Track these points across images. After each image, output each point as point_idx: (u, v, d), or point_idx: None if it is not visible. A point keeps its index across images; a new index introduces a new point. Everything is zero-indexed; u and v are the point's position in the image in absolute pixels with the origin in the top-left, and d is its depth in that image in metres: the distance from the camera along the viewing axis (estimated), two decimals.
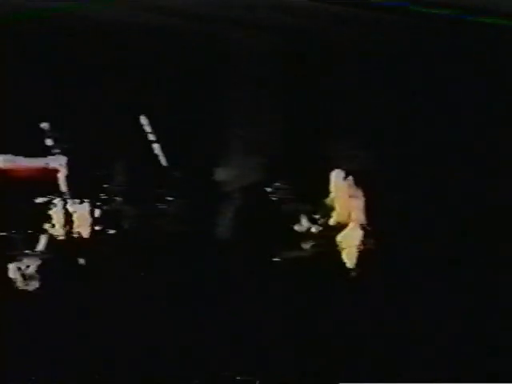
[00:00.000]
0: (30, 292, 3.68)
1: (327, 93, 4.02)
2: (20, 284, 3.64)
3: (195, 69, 3.95)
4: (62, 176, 3.77)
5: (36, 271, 3.69)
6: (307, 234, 3.91)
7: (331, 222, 3.94)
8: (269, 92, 3.99)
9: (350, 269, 3.87)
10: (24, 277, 3.66)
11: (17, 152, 3.73)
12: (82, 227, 3.78)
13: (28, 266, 3.68)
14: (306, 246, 3.92)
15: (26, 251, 3.70)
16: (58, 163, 3.76)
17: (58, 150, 3.76)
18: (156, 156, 3.85)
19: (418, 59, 4.00)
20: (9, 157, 3.72)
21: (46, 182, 3.75)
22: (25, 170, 3.72)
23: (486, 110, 3.98)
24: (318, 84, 4.02)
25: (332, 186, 3.94)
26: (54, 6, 3.92)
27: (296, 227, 3.90)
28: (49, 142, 3.77)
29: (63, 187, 3.76)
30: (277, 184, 3.91)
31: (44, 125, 3.76)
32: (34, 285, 3.67)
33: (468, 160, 3.95)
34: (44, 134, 3.76)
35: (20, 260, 3.67)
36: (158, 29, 3.93)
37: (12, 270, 3.65)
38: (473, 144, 3.97)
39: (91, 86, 3.81)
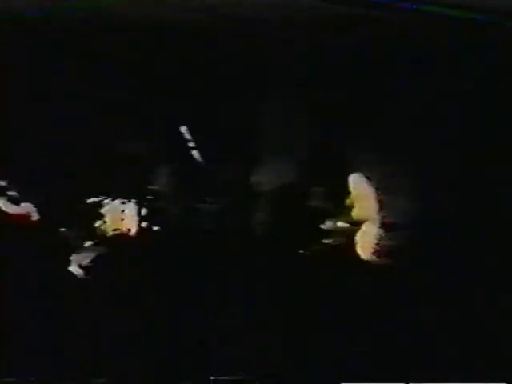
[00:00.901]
0: (84, 281, 4.16)
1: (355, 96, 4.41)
2: (78, 274, 4.13)
3: (232, 71, 4.34)
4: None
5: (91, 263, 4.17)
6: (330, 231, 4.38)
7: (351, 220, 4.41)
8: (304, 95, 4.39)
9: (365, 261, 4.34)
10: (81, 268, 4.14)
11: None
12: (131, 224, 4.26)
13: (84, 259, 4.16)
14: (329, 241, 4.39)
15: (83, 245, 4.18)
16: None
17: None
18: (196, 160, 4.31)
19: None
20: None
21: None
22: None
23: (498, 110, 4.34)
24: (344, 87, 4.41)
25: (351, 188, 4.41)
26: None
27: (321, 225, 4.37)
28: None
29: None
30: (307, 185, 4.37)
31: None
32: (88, 275, 4.15)
33: (483, 160, 4.33)
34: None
35: (78, 253, 4.16)
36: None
37: (73, 260, 4.13)
38: (483, 143, 4.33)
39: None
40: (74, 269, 4.12)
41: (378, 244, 4.35)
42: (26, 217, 4.19)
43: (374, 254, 4.33)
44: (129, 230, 4.24)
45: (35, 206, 4.20)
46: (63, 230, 4.18)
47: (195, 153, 4.30)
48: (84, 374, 4.01)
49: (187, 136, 4.28)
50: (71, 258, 4.11)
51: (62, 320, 4.06)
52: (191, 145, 4.29)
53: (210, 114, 4.34)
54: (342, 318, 4.19)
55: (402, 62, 4.37)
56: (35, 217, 4.20)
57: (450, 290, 4.20)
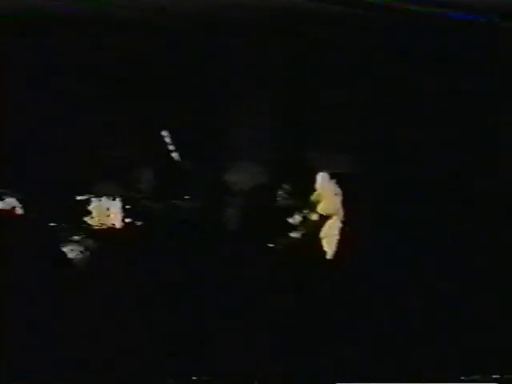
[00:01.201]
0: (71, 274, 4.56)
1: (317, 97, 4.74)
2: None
3: (204, 74, 4.68)
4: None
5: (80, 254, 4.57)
6: (297, 225, 4.81)
7: (316, 215, 4.84)
8: (270, 96, 4.74)
9: (329, 254, 4.78)
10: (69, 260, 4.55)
11: None
12: (115, 220, 4.65)
13: (73, 250, 4.55)
14: (296, 235, 4.82)
15: (72, 238, 4.57)
16: None
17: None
18: (175, 161, 4.70)
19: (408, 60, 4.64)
20: None
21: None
22: None
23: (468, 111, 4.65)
24: (307, 87, 4.75)
25: (318, 186, 4.83)
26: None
27: (289, 219, 4.80)
28: None
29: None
30: (276, 184, 4.79)
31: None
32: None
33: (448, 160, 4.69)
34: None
35: (67, 245, 4.55)
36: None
37: (68, 250, 4.51)
38: (456, 144, 4.66)
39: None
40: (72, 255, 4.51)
41: (341, 239, 4.79)
42: (10, 212, 4.53)
43: (337, 248, 4.78)
44: (113, 224, 4.63)
45: (21, 202, 4.54)
46: (53, 224, 4.56)
47: (175, 154, 4.69)
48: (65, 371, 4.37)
49: (168, 138, 4.67)
50: (64, 249, 4.51)
51: (50, 314, 4.44)
52: (171, 147, 4.68)
53: (185, 116, 4.70)
54: (311, 309, 4.66)
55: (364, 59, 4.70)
56: (20, 211, 4.54)
57: (413, 285, 4.63)
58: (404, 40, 4.63)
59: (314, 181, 4.82)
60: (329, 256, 4.72)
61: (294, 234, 4.82)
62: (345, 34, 4.66)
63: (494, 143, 4.67)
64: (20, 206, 4.53)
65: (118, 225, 4.64)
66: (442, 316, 4.58)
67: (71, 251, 4.55)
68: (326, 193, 4.84)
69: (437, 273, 4.65)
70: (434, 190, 4.73)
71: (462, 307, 4.58)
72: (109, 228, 4.62)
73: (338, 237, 4.78)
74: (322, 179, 4.83)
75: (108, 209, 4.64)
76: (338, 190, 4.82)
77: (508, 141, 4.63)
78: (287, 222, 4.82)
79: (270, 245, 4.77)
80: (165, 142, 4.67)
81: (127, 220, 4.65)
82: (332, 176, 4.80)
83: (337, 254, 4.74)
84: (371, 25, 4.61)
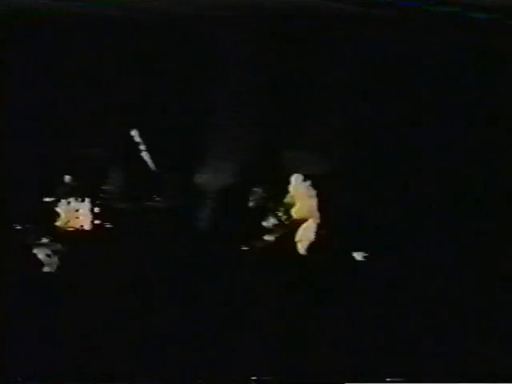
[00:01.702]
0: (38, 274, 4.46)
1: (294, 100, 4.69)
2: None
3: (178, 74, 4.64)
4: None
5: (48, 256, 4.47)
6: (271, 228, 4.71)
7: (291, 218, 4.74)
8: (245, 100, 4.70)
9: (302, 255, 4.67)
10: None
11: None
12: (84, 222, 4.56)
13: (41, 253, 4.46)
14: (270, 237, 4.72)
15: (40, 241, 4.47)
16: None
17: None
18: (145, 162, 4.62)
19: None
20: None
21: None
22: None
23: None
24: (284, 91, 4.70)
25: (291, 188, 4.74)
26: None
27: (263, 223, 4.70)
28: None
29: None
30: (249, 186, 4.70)
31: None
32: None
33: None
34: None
35: (35, 248, 4.45)
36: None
37: (38, 252, 4.41)
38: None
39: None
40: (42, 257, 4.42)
41: (316, 241, 4.68)
42: None
43: (312, 250, 4.67)
44: (81, 226, 4.54)
45: None
46: (19, 227, 4.48)
47: (146, 154, 4.61)
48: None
49: (137, 139, 4.59)
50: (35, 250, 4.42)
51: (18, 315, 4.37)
52: (141, 147, 4.60)
53: (157, 116, 4.64)
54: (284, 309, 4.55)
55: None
56: None
57: (388, 286, 4.51)
58: (379, 40, 4.61)
59: (287, 182, 4.73)
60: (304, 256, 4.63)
61: (268, 237, 4.71)
62: (321, 32, 4.65)
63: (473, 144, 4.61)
64: None
65: (87, 227, 4.54)
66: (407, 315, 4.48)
67: (40, 254, 4.45)
68: (300, 195, 4.74)
69: (416, 273, 4.53)
70: (413, 189, 4.64)
71: (432, 311, 4.47)
72: (77, 230, 4.53)
73: (313, 240, 4.68)
74: (295, 180, 4.73)
75: (77, 210, 4.55)
76: (313, 192, 4.72)
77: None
78: (261, 224, 4.72)
79: (244, 248, 4.67)
80: (135, 142, 4.59)
81: (96, 222, 4.56)
82: (306, 177, 4.71)
83: (312, 255, 4.64)
84: (345, 23, 4.61)
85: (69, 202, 4.55)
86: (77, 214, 4.55)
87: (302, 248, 4.69)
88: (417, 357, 4.31)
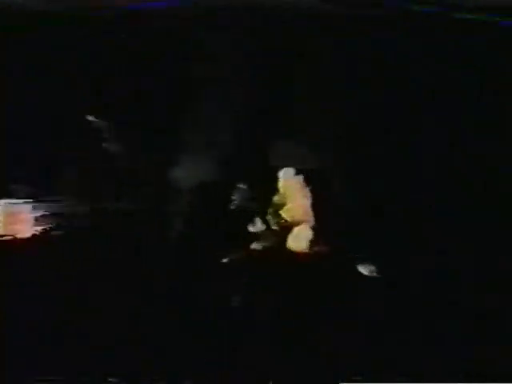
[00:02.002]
0: None
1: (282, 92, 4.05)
2: None
3: (154, 68, 3.97)
4: None
5: None
6: (259, 234, 3.87)
7: (282, 221, 3.90)
8: (226, 92, 3.99)
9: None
10: None
11: None
12: (25, 227, 3.69)
13: None
14: (258, 246, 3.86)
15: None
16: None
17: None
18: (108, 155, 3.79)
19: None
20: None
21: None
22: None
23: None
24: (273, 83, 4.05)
25: (281, 185, 3.92)
26: None
27: (250, 227, 3.85)
28: None
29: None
30: (231, 183, 3.88)
31: None
32: None
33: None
34: None
35: None
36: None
37: None
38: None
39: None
40: None
41: (311, 247, 3.85)
42: None
43: (307, 258, 3.83)
44: (22, 232, 3.68)
45: None
46: None
47: (110, 145, 3.78)
48: None
49: (96, 124, 3.77)
50: None
51: None
52: (104, 139, 3.78)
53: (130, 109, 3.90)
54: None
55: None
56: None
57: (388, 291, 3.79)
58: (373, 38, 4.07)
59: (276, 179, 3.91)
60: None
61: (254, 246, 3.86)
62: (309, 31, 4.08)
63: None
64: None
65: (27, 233, 3.67)
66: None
67: None
68: (292, 193, 3.91)
69: (415, 275, 3.83)
70: (414, 187, 3.94)
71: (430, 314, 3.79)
72: (15, 238, 3.66)
73: (308, 247, 3.84)
74: (284, 175, 3.91)
75: (16, 214, 3.68)
76: (307, 190, 3.90)
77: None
78: (246, 229, 3.86)
79: (224, 260, 3.81)
80: (96, 132, 3.76)
81: (39, 228, 3.68)
82: (298, 172, 3.90)
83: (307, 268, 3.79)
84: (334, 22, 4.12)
85: (8, 204, 3.69)
86: (16, 217, 3.69)
87: (295, 256, 3.84)
88: (417, 357, 3.68)
